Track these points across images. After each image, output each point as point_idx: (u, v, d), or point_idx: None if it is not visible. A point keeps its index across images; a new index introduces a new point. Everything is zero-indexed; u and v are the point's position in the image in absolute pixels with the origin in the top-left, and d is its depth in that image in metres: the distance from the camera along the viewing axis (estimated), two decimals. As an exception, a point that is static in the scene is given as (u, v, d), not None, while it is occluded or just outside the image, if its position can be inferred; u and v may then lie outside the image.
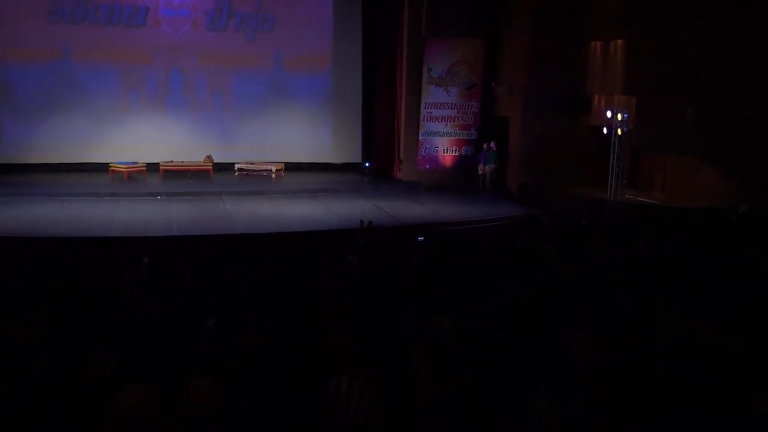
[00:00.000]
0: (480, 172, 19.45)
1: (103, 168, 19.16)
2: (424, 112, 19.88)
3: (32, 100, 19.47)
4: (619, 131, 16.71)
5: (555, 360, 4.16)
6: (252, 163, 20.28)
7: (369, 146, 21.48)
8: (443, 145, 20.17)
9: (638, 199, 16.70)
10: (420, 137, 20.01)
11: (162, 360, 4.88)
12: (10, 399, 4.29)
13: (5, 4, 18.92)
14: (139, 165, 19.29)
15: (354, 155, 21.58)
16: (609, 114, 16.78)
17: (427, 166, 20.15)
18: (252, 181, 19.63)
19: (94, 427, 3.96)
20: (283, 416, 3.92)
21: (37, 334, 5.71)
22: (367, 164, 21.20)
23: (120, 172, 18.90)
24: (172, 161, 19.60)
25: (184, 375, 4.45)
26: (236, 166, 20.16)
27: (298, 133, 21.08)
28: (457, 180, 19.90)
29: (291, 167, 20.52)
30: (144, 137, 19.91)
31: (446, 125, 20.06)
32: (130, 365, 4.80)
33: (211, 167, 19.63)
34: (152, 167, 19.40)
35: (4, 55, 19.17)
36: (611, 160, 17.00)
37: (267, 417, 3.94)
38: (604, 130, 17.07)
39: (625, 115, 16.50)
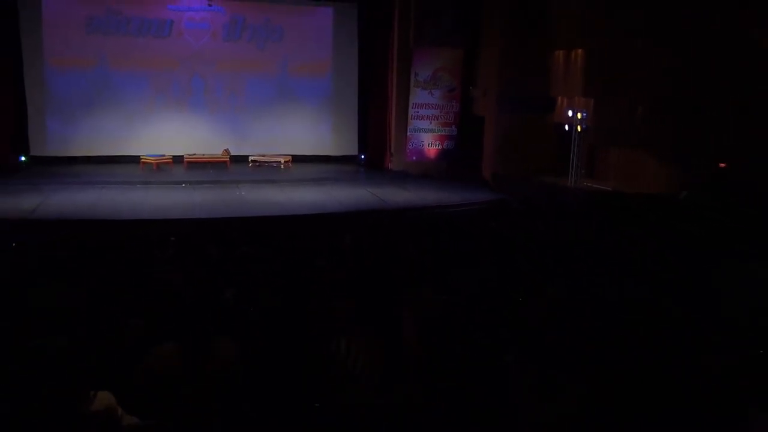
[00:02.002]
0: None
1: (135, 160, 19.09)
2: (411, 112, 19.85)
3: (73, 102, 19.34)
4: (579, 128, 16.72)
5: (523, 325, 4.21)
6: (263, 156, 20.22)
7: (364, 140, 21.45)
8: (428, 140, 20.16)
9: (594, 186, 16.74)
10: (408, 133, 20.00)
11: (187, 324, 4.90)
12: (57, 352, 4.30)
13: (49, 19, 18.73)
14: (166, 157, 19.22)
15: (351, 148, 21.54)
16: (570, 113, 16.78)
17: (414, 158, 20.16)
18: (263, 170, 19.58)
19: (128, 379, 4.00)
20: (291, 371, 3.95)
21: (81, 301, 5.73)
22: (362, 156, 21.21)
23: (150, 163, 18.84)
24: (194, 154, 19.51)
25: (206, 336, 4.48)
26: (250, 158, 20.09)
27: (302, 129, 21.02)
28: (440, 170, 19.91)
29: (297, 159, 20.46)
30: (170, 133, 19.83)
31: (431, 123, 20.05)
32: (158, 328, 4.83)
33: (228, 159, 19.58)
34: (177, 159, 19.33)
35: (49, 62, 19.01)
36: (572, 153, 17.03)
37: (279, 372, 3.97)
38: (566, 127, 17.08)
39: (584, 114, 16.51)
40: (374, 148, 21.00)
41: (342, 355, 3.95)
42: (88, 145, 19.43)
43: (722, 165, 14.07)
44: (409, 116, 19.88)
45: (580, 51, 16.86)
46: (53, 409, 3.51)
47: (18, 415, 3.41)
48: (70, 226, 12.28)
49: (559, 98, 17.92)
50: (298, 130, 20.94)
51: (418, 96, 19.80)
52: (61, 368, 4.03)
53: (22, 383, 3.73)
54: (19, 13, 18.37)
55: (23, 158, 18.82)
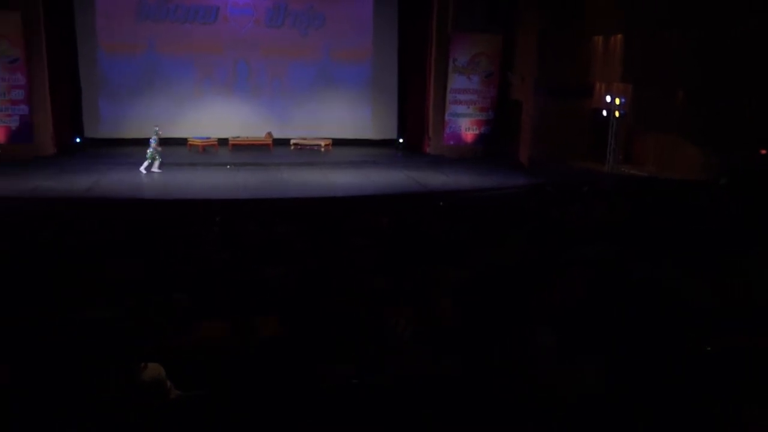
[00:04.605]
0: None
1: (182, 142, 19.36)
2: (449, 96, 19.74)
3: (124, 86, 19.73)
4: (617, 113, 16.42)
5: (551, 304, 4.21)
6: (304, 139, 20.35)
7: (403, 125, 21.41)
8: (465, 125, 20.03)
9: (631, 171, 16.45)
10: (446, 117, 19.90)
11: (231, 301, 5.01)
12: (108, 324, 4.45)
13: (102, 6, 19.11)
14: (211, 140, 19.49)
15: (390, 132, 21.51)
16: (608, 99, 16.48)
17: (452, 142, 20.06)
18: (304, 153, 19.73)
19: (175, 352, 4.11)
20: (334, 346, 4.01)
21: (131, 276, 5.89)
22: (400, 140, 21.19)
23: (196, 145, 19.14)
24: (239, 137, 19.73)
25: (250, 312, 4.58)
26: (291, 141, 20.24)
27: (342, 113, 21.05)
28: (477, 154, 19.79)
29: (337, 142, 20.53)
30: (216, 116, 20.08)
31: (468, 107, 19.90)
32: (204, 304, 4.95)
33: (271, 142, 19.75)
34: (222, 141, 19.60)
35: (102, 48, 19.42)
36: (609, 138, 16.75)
37: (320, 346, 4.04)
38: (604, 113, 16.79)
39: (622, 100, 16.20)
40: (412, 132, 20.96)
41: (393, 327, 4.02)
42: (138, 127, 19.77)
43: (763, 151, 13.66)
44: (447, 101, 19.76)
45: (619, 37, 16.51)
46: (105, 377, 3.64)
47: (71, 383, 3.55)
48: (121, 206, 12.62)
49: (597, 84, 17.60)
50: (338, 115, 20.98)
51: (456, 81, 19.65)
52: (111, 339, 4.18)
53: (75, 353, 3.88)
54: (73, 1, 18.77)
55: (78, 139, 19.33)
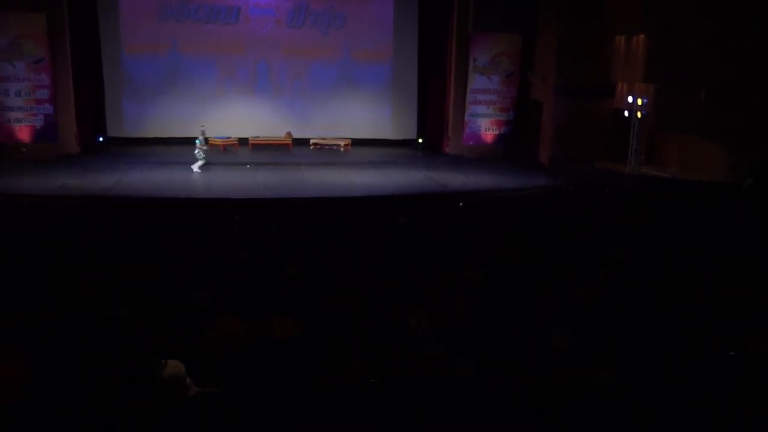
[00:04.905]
0: None
1: (203, 141, 19.55)
2: (469, 97, 19.68)
3: (147, 85, 19.93)
4: (639, 114, 16.24)
5: (568, 305, 4.18)
6: (324, 139, 20.39)
7: (422, 125, 21.37)
8: (485, 125, 19.95)
9: (653, 173, 16.26)
10: (466, 117, 19.84)
11: (250, 299, 5.04)
12: (127, 322, 4.49)
13: (125, 8, 19.32)
14: (232, 139, 19.62)
15: (409, 132, 21.48)
16: (630, 99, 16.31)
17: (471, 143, 19.99)
18: (324, 153, 19.77)
19: (193, 351, 4.14)
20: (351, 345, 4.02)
21: (149, 274, 5.94)
22: (420, 140, 21.15)
23: (217, 144, 19.25)
24: (259, 136, 19.82)
25: (268, 312, 4.59)
26: (311, 141, 20.29)
27: (362, 113, 21.07)
28: (497, 154, 19.70)
29: (356, 142, 20.53)
30: (236, 116, 20.20)
31: (488, 108, 19.83)
32: (224, 303, 4.98)
33: (290, 142, 19.83)
34: (243, 141, 19.71)
35: (125, 48, 19.63)
36: (630, 138, 16.58)
37: (336, 346, 4.05)
38: (625, 113, 16.62)
39: (645, 100, 16.02)
40: (432, 132, 20.92)
41: (415, 328, 4.02)
42: (160, 126, 20.01)
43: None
44: (467, 101, 19.70)
45: (641, 36, 16.33)
46: (126, 374, 3.68)
47: (93, 380, 3.59)
48: (142, 204, 12.74)
49: (619, 84, 17.42)
50: (358, 115, 21.00)
51: (476, 81, 19.59)
52: (132, 336, 4.21)
53: (96, 350, 3.93)
54: (97, 2, 19.01)
55: (101, 138, 19.57)
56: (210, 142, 19.27)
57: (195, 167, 16.39)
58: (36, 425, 3.12)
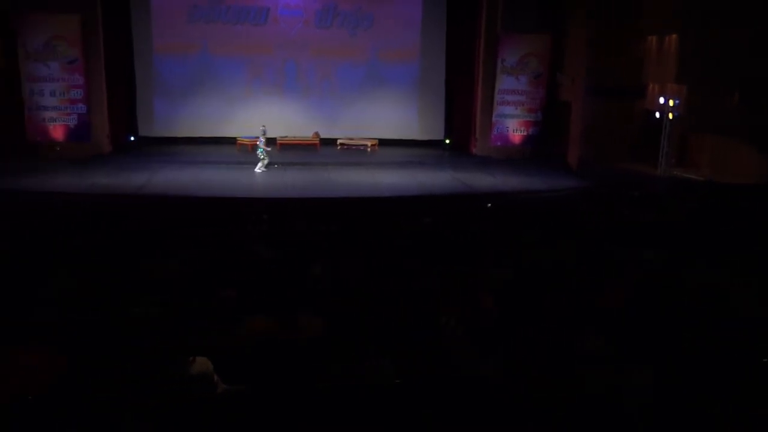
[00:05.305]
0: None
1: (231, 141, 19.72)
2: (497, 97, 19.56)
3: (177, 85, 20.20)
4: (670, 115, 15.99)
5: (596, 307, 4.13)
6: (351, 139, 20.44)
7: (449, 125, 21.32)
8: (513, 126, 19.82)
9: (684, 175, 15.99)
10: (493, 118, 19.73)
11: (276, 297, 5.07)
12: (155, 317, 4.54)
13: (157, 8, 19.60)
14: (260, 139, 19.76)
15: (436, 133, 21.44)
16: (662, 100, 16.06)
17: (499, 143, 19.88)
18: (351, 153, 19.82)
19: (220, 347, 4.18)
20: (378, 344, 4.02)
21: (181, 272, 6.01)
22: (447, 141, 21.09)
23: (245, 144, 19.40)
24: (286, 136, 19.94)
25: (295, 310, 4.62)
26: (338, 141, 20.37)
27: (389, 113, 21.09)
28: (524, 155, 19.55)
29: (383, 142, 20.57)
30: (265, 116, 20.23)
31: (516, 108, 19.69)
32: (252, 301, 5.02)
33: (318, 142, 19.92)
34: (271, 141, 19.80)
35: (156, 48, 19.92)
36: (662, 140, 16.32)
37: (364, 345, 4.05)
38: (657, 115, 16.37)
39: (677, 101, 15.75)
40: (459, 133, 20.86)
41: (447, 327, 4.03)
42: (190, 126, 20.26)
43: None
44: (495, 102, 19.59)
45: (674, 36, 16.06)
46: (155, 371, 3.73)
47: (122, 376, 3.65)
48: (172, 203, 12.90)
49: (651, 85, 17.16)
50: (385, 115, 21.02)
51: (504, 82, 19.47)
52: (160, 334, 4.27)
53: (125, 348, 3.99)
54: (130, 3, 19.32)
55: (132, 138, 19.87)
56: (239, 141, 19.47)
57: (257, 169, 16.48)
58: (67, 420, 3.18)
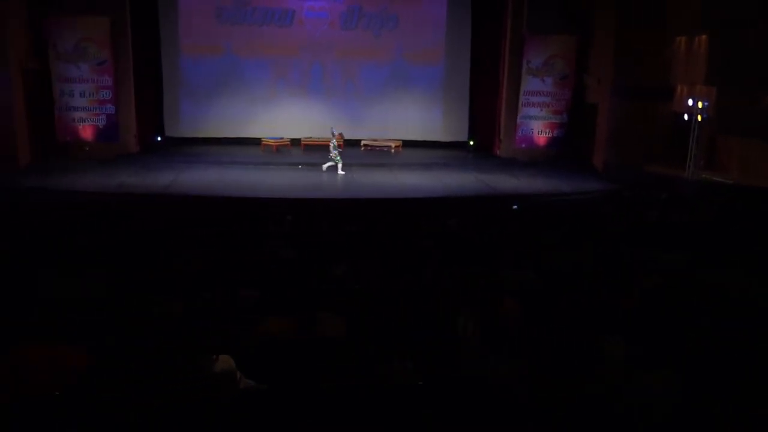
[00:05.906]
0: None
1: (256, 142, 19.86)
2: (522, 99, 19.43)
3: (202, 86, 20.40)
4: (699, 117, 15.73)
5: (617, 309, 4.07)
6: (375, 140, 20.45)
7: (473, 127, 21.22)
8: (538, 127, 19.66)
9: (713, 178, 15.72)
10: (518, 120, 19.60)
11: (298, 297, 5.09)
12: (176, 316, 4.57)
13: (184, 9, 19.83)
14: (284, 140, 19.86)
15: (460, 134, 21.36)
16: (690, 102, 15.81)
17: (524, 145, 19.74)
18: (375, 154, 19.82)
19: (242, 346, 4.19)
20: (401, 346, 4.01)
21: (204, 271, 6.06)
22: (471, 142, 21.00)
23: (270, 145, 19.54)
24: (311, 137, 20.01)
25: (316, 310, 4.62)
26: (362, 142, 20.38)
27: (413, 115, 21.07)
28: (549, 157, 19.39)
29: (407, 144, 20.55)
30: (289, 117, 20.48)
31: (541, 110, 19.54)
32: (274, 300, 5.03)
33: (342, 143, 19.94)
34: (295, 142, 19.95)
35: (183, 50, 20.15)
36: (690, 142, 16.06)
37: (384, 346, 4.04)
38: (685, 117, 16.12)
39: (705, 103, 15.50)
40: (483, 134, 20.76)
41: (464, 330, 4.00)
42: (216, 127, 20.44)
43: None
44: (520, 103, 19.46)
45: (703, 37, 15.81)
46: (178, 369, 3.76)
47: (145, 374, 3.68)
48: (197, 202, 13.02)
49: (679, 86, 16.91)
50: (409, 116, 21.01)
51: (529, 83, 19.34)
52: (182, 332, 4.30)
53: (149, 345, 4.02)
54: (158, 5, 19.57)
55: (159, 138, 20.12)
56: (263, 142, 19.58)
57: (339, 170, 16.63)
58: (89, 417, 3.21)
